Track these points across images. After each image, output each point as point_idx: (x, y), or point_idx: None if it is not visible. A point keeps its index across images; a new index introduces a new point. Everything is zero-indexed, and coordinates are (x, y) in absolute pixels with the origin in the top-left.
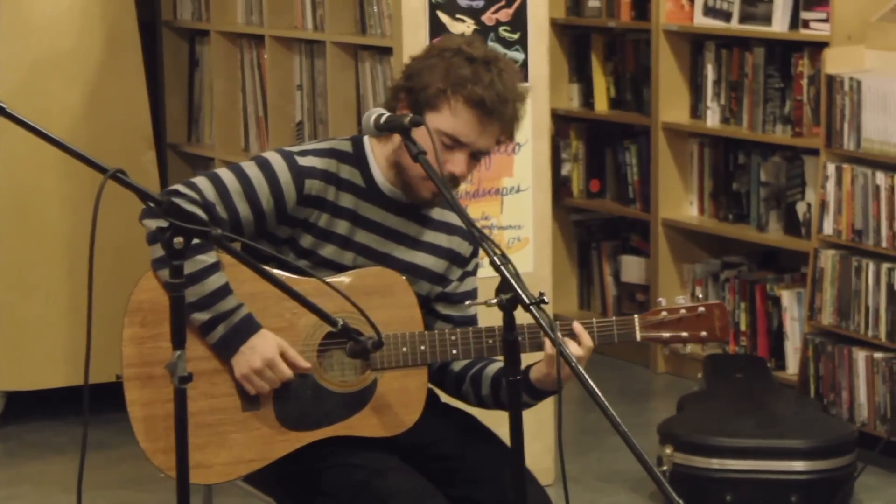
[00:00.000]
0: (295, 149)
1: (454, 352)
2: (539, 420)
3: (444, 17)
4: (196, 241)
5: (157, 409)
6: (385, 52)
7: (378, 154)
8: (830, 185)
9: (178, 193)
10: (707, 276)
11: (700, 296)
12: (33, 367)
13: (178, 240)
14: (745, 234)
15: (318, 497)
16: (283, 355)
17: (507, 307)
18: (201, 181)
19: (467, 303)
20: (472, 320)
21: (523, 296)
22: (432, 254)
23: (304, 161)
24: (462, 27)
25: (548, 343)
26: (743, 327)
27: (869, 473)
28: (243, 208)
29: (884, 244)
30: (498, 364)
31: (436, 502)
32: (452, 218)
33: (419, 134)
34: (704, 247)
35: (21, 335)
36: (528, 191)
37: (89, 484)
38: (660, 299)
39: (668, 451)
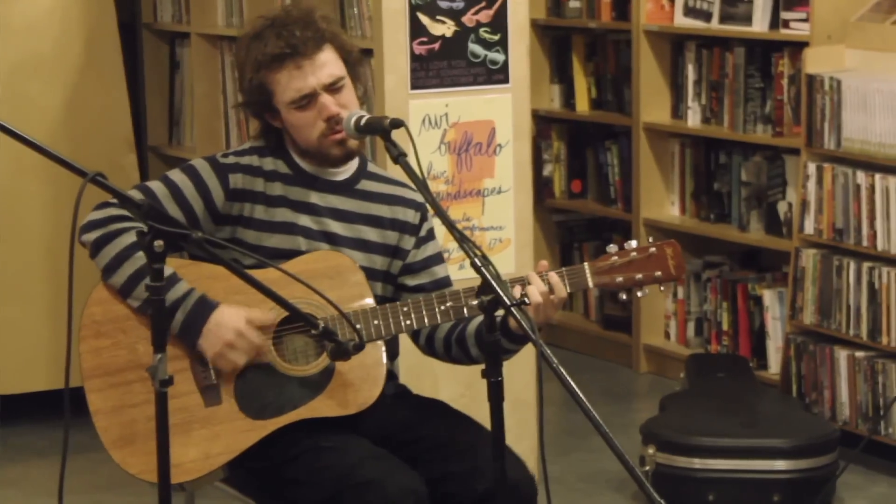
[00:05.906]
0: (217, 153)
1: (407, 322)
2: (522, 421)
3: (424, 19)
4: (129, 238)
5: (123, 415)
6: (366, 53)
7: (290, 145)
8: (811, 185)
9: (109, 204)
10: (689, 275)
11: (680, 295)
12: (14, 370)
13: (159, 243)
14: (726, 233)
15: (295, 486)
16: (248, 321)
17: (489, 309)
18: (132, 192)
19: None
20: (445, 282)
21: (504, 298)
22: (377, 226)
23: (225, 160)
24: (442, 28)
25: (530, 290)
26: (725, 327)
27: (851, 472)
28: (174, 211)
29: (864, 243)
30: (476, 320)
31: (407, 475)
32: (392, 189)
33: (287, 116)
34: (686, 247)
35: (1, 339)
36: (510, 192)
37: (71, 487)
38: (610, 245)
39: (651, 451)
